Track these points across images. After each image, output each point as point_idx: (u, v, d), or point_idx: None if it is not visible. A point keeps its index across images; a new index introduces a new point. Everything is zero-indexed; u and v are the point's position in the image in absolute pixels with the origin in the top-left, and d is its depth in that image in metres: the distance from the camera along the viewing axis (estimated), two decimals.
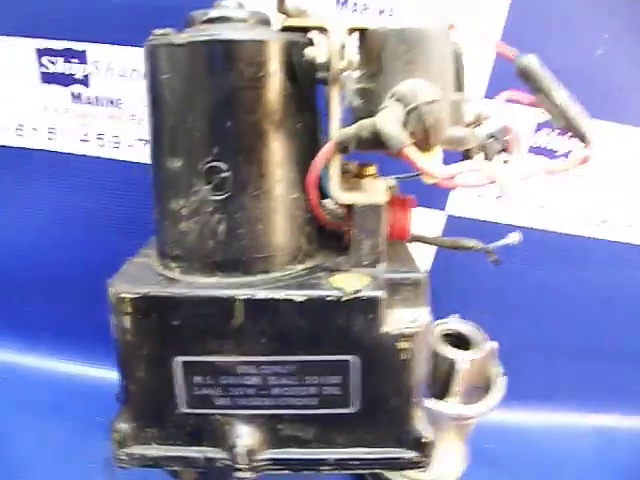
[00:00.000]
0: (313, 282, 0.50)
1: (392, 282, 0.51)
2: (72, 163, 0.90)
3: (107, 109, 0.86)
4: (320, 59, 0.47)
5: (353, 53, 0.47)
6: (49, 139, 0.89)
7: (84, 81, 0.84)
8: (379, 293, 0.48)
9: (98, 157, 0.90)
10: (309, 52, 0.48)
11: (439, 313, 0.77)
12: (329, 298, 0.48)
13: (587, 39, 0.81)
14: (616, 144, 0.88)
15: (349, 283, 0.49)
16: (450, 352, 0.72)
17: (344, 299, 0.48)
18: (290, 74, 0.49)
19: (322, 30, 0.50)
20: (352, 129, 0.47)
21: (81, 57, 0.82)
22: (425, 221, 0.90)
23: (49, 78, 0.84)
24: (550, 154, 0.88)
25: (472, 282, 0.92)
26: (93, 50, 0.82)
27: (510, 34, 0.79)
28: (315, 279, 0.51)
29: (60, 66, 0.83)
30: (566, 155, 0.86)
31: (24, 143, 0.90)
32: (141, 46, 0.52)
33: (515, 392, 0.92)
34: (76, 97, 0.86)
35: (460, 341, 0.75)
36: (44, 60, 0.83)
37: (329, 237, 0.57)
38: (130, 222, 0.81)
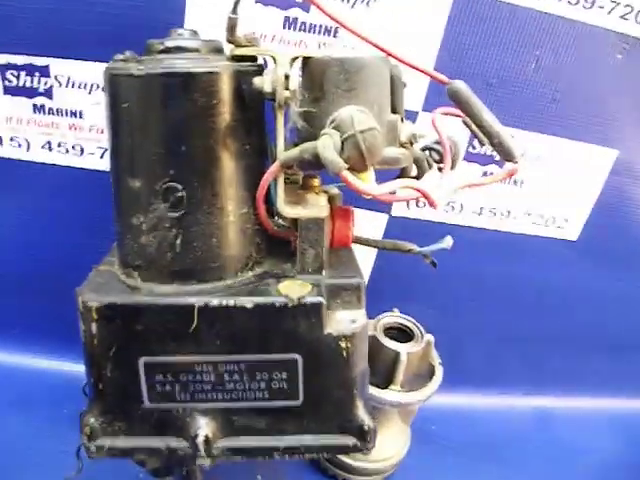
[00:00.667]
0: (262, 289, 0.55)
1: (333, 287, 0.56)
2: (34, 170, 0.93)
3: (69, 119, 0.89)
4: (267, 88, 0.51)
5: (296, 82, 0.51)
6: (12, 147, 0.92)
7: (47, 94, 0.87)
8: (321, 299, 0.53)
9: (59, 165, 0.93)
10: (257, 82, 0.52)
11: (383, 307, 0.83)
12: (277, 304, 0.53)
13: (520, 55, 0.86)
14: (550, 151, 0.94)
15: (294, 290, 0.54)
16: (393, 345, 0.76)
17: (290, 305, 0.53)
18: (239, 101, 0.53)
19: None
20: (295, 152, 0.51)
21: (44, 71, 0.84)
22: (370, 222, 0.95)
23: (12, 91, 0.87)
24: (486, 159, 0.93)
25: (415, 277, 0.96)
26: (56, 65, 0.84)
27: (446, 52, 0.84)
28: (264, 285, 0.55)
29: (22, 80, 0.85)
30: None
31: None
32: (103, 61, 0.55)
33: (460, 377, 0.99)
34: (39, 108, 0.88)
35: (401, 334, 0.81)
36: (7, 74, 0.85)
37: (278, 243, 0.61)
38: (90, 224, 0.84)
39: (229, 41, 0.55)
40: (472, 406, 1.12)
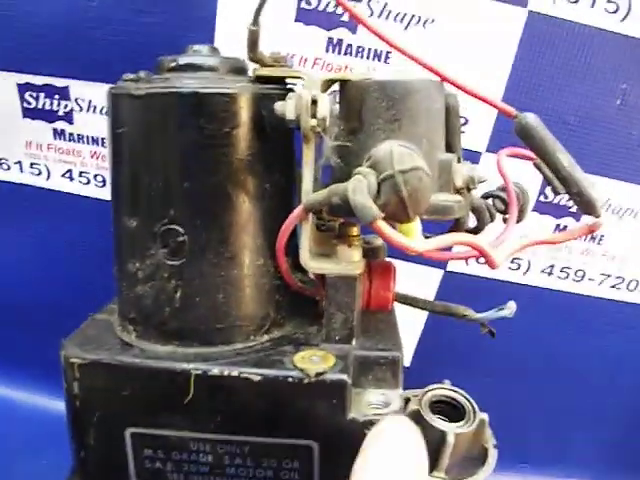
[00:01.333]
0: (275, 359, 0.46)
1: (364, 361, 0.48)
2: (55, 199, 0.88)
3: (91, 147, 0.84)
4: (289, 115, 0.43)
5: (326, 109, 0.43)
6: (32, 174, 0.87)
7: (67, 118, 0.82)
8: (344, 377, 0.44)
9: (80, 195, 0.88)
10: (278, 107, 0.44)
11: (431, 377, 0.73)
12: (290, 380, 0.44)
13: (604, 89, 0.76)
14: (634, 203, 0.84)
15: (314, 363, 0.45)
16: (439, 424, 0.67)
17: (306, 382, 0.44)
18: (259, 130, 0.46)
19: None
20: (323, 194, 0.43)
21: (63, 93, 0.80)
22: (422, 277, 0.86)
23: (31, 113, 0.82)
24: (560, 211, 0.83)
25: (471, 343, 0.87)
26: (76, 86, 0.79)
27: (516, 83, 0.75)
28: (279, 354, 0.47)
29: (42, 101, 0.81)
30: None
31: (6, 177, 0.88)
32: None
33: (518, 457, 0.93)
34: (59, 134, 0.84)
35: (450, 410, 0.70)
36: (26, 95, 0.81)
37: (306, 301, 0.53)
38: (109, 258, 0.78)
39: (251, 59, 0.48)
40: None
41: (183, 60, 0.48)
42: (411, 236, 0.41)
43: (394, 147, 0.40)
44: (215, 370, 0.45)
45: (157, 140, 0.45)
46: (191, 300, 0.47)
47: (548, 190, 0.80)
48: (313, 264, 0.47)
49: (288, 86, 0.50)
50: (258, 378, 0.44)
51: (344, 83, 0.46)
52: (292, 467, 0.47)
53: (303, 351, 0.47)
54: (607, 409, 1.00)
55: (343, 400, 0.45)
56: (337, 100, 0.48)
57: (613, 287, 0.89)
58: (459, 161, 0.49)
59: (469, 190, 0.48)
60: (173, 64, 0.48)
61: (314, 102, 0.43)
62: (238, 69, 0.50)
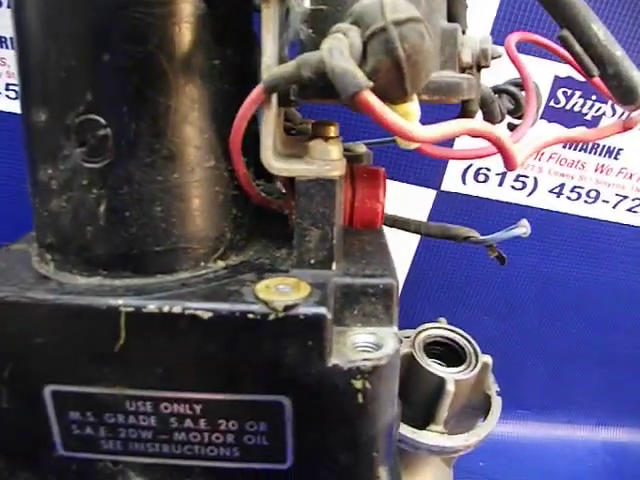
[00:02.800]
0: (231, 290, 0.37)
1: (349, 290, 0.38)
2: None
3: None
4: None
5: None
6: None
7: None
8: (323, 310, 0.34)
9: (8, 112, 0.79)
10: None
11: (425, 314, 0.71)
12: (250, 316, 0.34)
13: None
14: None
15: (282, 293, 0.35)
16: (437, 369, 0.62)
17: (271, 318, 0.34)
18: None
19: None
20: (289, 67, 0.33)
21: None
22: (411, 198, 0.77)
23: None
24: (574, 118, 0.74)
25: (468, 275, 0.80)
26: None
27: None
28: (237, 284, 0.37)
29: None
30: (596, 120, 0.73)
31: None
32: None
33: (517, 402, 0.91)
34: None
35: (448, 352, 0.66)
36: None
37: (274, 217, 0.44)
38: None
39: None
40: (530, 438, 0.98)
41: None
42: (408, 119, 0.31)
43: None
44: (152, 306, 0.35)
45: None
46: (119, 215, 0.37)
47: (560, 94, 0.72)
48: (278, 164, 0.37)
49: None
50: (208, 315, 0.35)
51: None
52: (258, 430, 0.38)
53: (268, 279, 0.38)
54: (612, 349, 0.95)
55: (321, 341, 0.35)
56: None
57: (630, 210, 0.83)
58: (464, 33, 0.40)
59: (479, 69, 0.40)
60: None
61: None
62: None
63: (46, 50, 0.36)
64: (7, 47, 0.73)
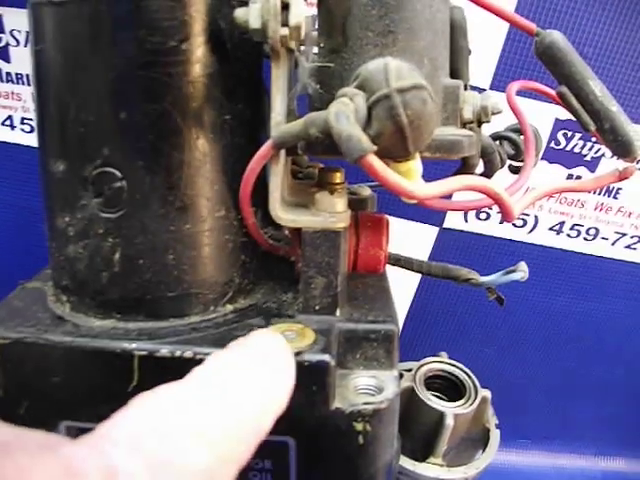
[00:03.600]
0: (240, 335, 0.37)
1: (351, 336, 0.40)
2: None
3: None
4: (254, 24, 0.34)
5: (301, 15, 0.34)
6: None
7: (2, 54, 0.74)
8: (327, 358, 0.36)
9: (22, 145, 0.80)
10: (239, 15, 0.35)
11: (426, 349, 0.70)
12: None
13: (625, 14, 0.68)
14: None
15: (289, 339, 0.36)
16: (437, 403, 0.63)
17: None
18: (215, 44, 0.37)
19: None
20: (297, 125, 0.34)
21: None
22: (414, 235, 0.79)
23: None
24: (574, 159, 0.75)
25: (470, 310, 0.82)
26: (10, 15, 0.70)
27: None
28: (245, 329, 0.39)
29: None
30: (596, 161, 0.73)
31: None
32: None
33: (519, 431, 0.92)
34: None
35: (448, 386, 0.67)
36: None
37: (280, 262, 0.45)
38: None
39: None
40: (531, 467, 0.98)
41: None
42: (410, 177, 0.33)
43: (389, 62, 0.31)
44: (164, 350, 0.37)
45: (85, 58, 0.36)
46: (133, 262, 0.38)
47: (560, 135, 0.73)
48: (286, 215, 0.39)
49: None
50: None
51: None
52: (263, 467, 0.39)
53: (275, 324, 0.39)
54: (611, 381, 0.96)
55: (325, 386, 0.37)
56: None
57: (628, 247, 0.84)
58: (466, 88, 0.42)
59: (480, 125, 0.41)
60: None
61: (285, 6, 0.34)
62: None
63: (66, 105, 0.37)
64: (23, 83, 0.75)
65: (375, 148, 0.30)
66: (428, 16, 0.37)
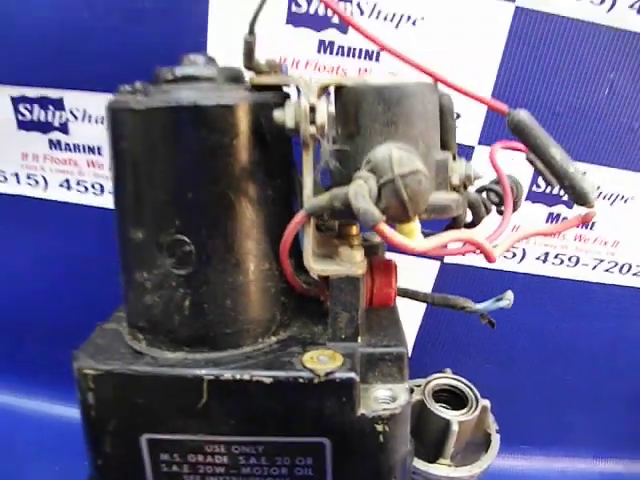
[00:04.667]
0: (284, 360, 0.47)
1: (370, 357, 0.49)
2: (53, 209, 0.89)
3: (87, 156, 0.85)
4: (289, 123, 0.44)
5: (324, 115, 0.43)
6: (29, 185, 0.88)
7: (63, 128, 0.83)
8: (353, 375, 0.45)
9: (79, 204, 0.89)
10: (277, 116, 0.44)
11: (433, 366, 0.75)
12: (300, 380, 0.45)
13: (592, 79, 0.77)
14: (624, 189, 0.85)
15: (322, 362, 0.46)
16: (443, 412, 0.69)
17: (316, 381, 0.45)
18: (259, 138, 0.46)
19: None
20: (324, 199, 0.44)
21: (58, 104, 0.80)
22: (419, 269, 0.87)
23: (26, 125, 0.83)
24: (553, 199, 0.84)
25: (470, 331, 0.90)
26: (70, 97, 0.80)
27: (506, 78, 0.76)
28: (288, 355, 0.48)
29: (36, 113, 0.81)
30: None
31: (3, 189, 0.89)
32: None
33: (519, 438, 0.97)
34: (55, 144, 0.84)
35: (453, 398, 0.73)
36: (20, 107, 0.81)
37: (309, 300, 0.54)
38: (110, 265, 0.78)
39: (247, 67, 0.49)
40: (533, 470, 1.04)
41: (180, 71, 0.48)
42: (411, 235, 0.42)
43: (393, 151, 0.40)
44: (227, 375, 0.46)
45: (160, 153, 0.45)
46: (200, 307, 0.47)
47: (540, 180, 0.80)
48: (317, 266, 0.48)
49: (284, 92, 0.51)
50: (269, 380, 0.45)
51: (339, 88, 0.47)
52: (305, 464, 0.48)
53: (311, 351, 0.48)
54: (604, 390, 1.01)
55: (352, 397, 0.46)
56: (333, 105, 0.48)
57: (607, 271, 0.91)
58: (454, 159, 0.50)
59: (465, 187, 0.49)
60: (170, 75, 0.48)
61: (312, 109, 0.43)
62: (235, 78, 0.50)
63: (144, 188, 0.46)
64: (79, 152, 0.85)
65: (384, 218, 0.39)
66: (421, 109, 0.45)
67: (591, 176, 0.81)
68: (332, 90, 0.48)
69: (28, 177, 0.87)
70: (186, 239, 0.46)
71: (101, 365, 0.47)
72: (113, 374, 0.47)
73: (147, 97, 0.46)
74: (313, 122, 0.43)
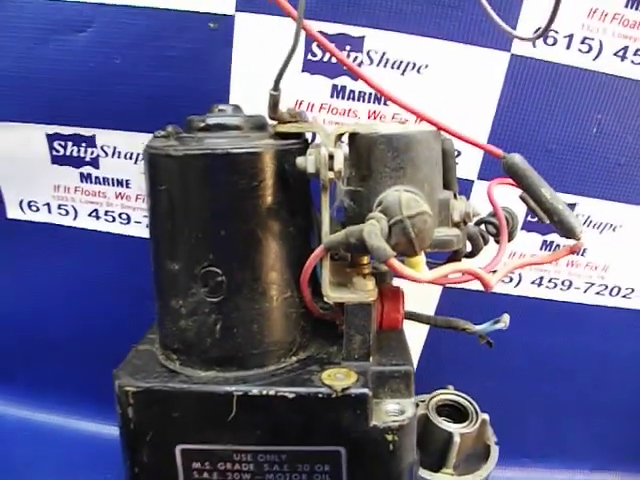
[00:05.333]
0: (305, 378, 0.52)
1: (381, 375, 0.53)
2: (82, 237, 0.94)
3: (116, 188, 0.90)
4: (310, 169, 0.49)
5: (341, 162, 0.48)
6: (59, 214, 0.93)
7: (94, 163, 0.88)
8: (366, 391, 0.50)
9: (107, 232, 0.94)
10: (300, 162, 0.49)
11: (437, 382, 0.79)
12: (320, 395, 0.50)
13: (581, 119, 0.83)
14: (613, 218, 0.89)
15: (339, 379, 0.51)
16: (445, 425, 0.73)
17: (333, 396, 0.50)
18: (283, 181, 0.51)
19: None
20: (341, 235, 0.48)
21: (90, 142, 0.85)
22: (422, 293, 0.90)
23: (60, 160, 0.87)
24: (547, 227, 0.86)
25: (471, 350, 0.88)
26: (101, 135, 0.85)
27: (502, 118, 0.81)
28: (307, 373, 0.53)
29: (69, 149, 0.86)
30: None
31: (35, 218, 0.94)
32: (148, 132, 0.55)
33: (518, 451, 0.99)
34: (86, 177, 0.89)
35: (455, 412, 0.77)
36: (55, 144, 0.86)
37: (325, 323, 0.59)
38: (137, 291, 0.83)
39: (272, 118, 0.53)
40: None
41: (211, 120, 0.53)
42: (418, 268, 0.47)
43: (402, 195, 0.45)
44: (255, 391, 0.50)
45: (195, 195, 0.50)
46: (229, 331, 0.52)
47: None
48: (333, 294, 0.53)
49: (304, 138, 0.56)
50: (292, 395, 0.50)
51: (353, 135, 0.52)
52: (323, 470, 0.52)
53: (328, 369, 0.52)
54: (599, 404, 1.04)
55: (365, 410, 0.50)
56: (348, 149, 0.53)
57: (597, 294, 0.95)
58: (455, 197, 0.54)
59: (465, 223, 0.54)
60: (202, 124, 0.53)
61: (331, 157, 0.48)
62: (260, 126, 0.55)
63: (180, 225, 0.51)
64: (107, 185, 0.90)
65: (394, 254, 0.44)
66: (427, 154, 0.50)
67: (582, 207, 0.86)
68: (346, 136, 0.53)
69: (59, 207, 0.92)
70: (218, 270, 0.51)
71: (140, 383, 0.52)
72: (151, 391, 0.51)
73: (182, 144, 0.51)
74: (331, 168, 0.49)
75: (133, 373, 0.53)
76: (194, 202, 0.51)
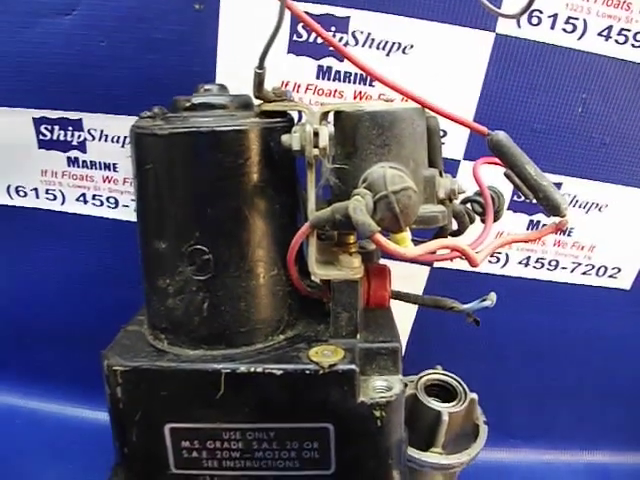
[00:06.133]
0: (292, 355, 0.52)
1: (368, 352, 0.53)
2: (70, 221, 0.94)
3: (103, 172, 0.89)
4: (295, 146, 0.49)
5: (326, 139, 0.49)
6: (47, 199, 0.92)
7: (81, 147, 0.87)
8: (353, 367, 0.50)
9: (95, 216, 0.94)
10: (285, 140, 0.50)
11: (425, 363, 0.79)
12: (307, 372, 0.50)
13: (566, 99, 0.83)
14: (598, 198, 0.90)
15: (326, 356, 0.51)
16: (434, 404, 0.73)
17: (321, 373, 0.50)
18: (268, 159, 0.51)
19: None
20: (327, 212, 0.49)
21: (76, 125, 0.85)
22: (410, 274, 0.91)
23: (46, 144, 0.87)
24: (533, 207, 0.89)
25: (460, 330, 0.91)
26: (88, 119, 0.85)
27: (488, 98, 0.82)
28: (295, 351, 0.53)
29: (56, 133, 0.86)
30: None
31: (23, 203, 0.93)
32: (135, 115, 0.55)
33: (507, 432, 1.00)
34: (73, 161, 0.89)
35: (443, 392, 0.77)
36: (42, 128, 0.86)
37: (312, 302, 0.59)
38: (125, 274, 0.83)
39: (257, 97, 0.54)
40: (520, 463, 1.08)
41: (197, 100, 0.54)
42: (403, 243, 0.47)
43: (386, 170, 0.46)
44: (242, 368, 0.50)
45: (181, 174, 0.51)
46: (217, 309, 0.52)
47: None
48: (320, 272, 0.53)
49: (289, 116, 0.56)
50: (280, 372, 0.50)
51: (339, 113, 0.52)
52: (312, 447, 0.53)
53: (315, 347, 0.53)
54: (586, 384, 1.05)
55: (353, 387, 0.50)
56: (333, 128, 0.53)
57: (584, 274, 0.96)
58: (441, 175, 0.55)
59: (451, 200, 0.54)
60: (188, 104, 0.54)
61: (316, 134, 0.49)
62: (245, 104, 0.55)
63: (166, 204, 0.52)
64: (95, 169, 0.90)
65: (379, 229, 0.44)
66: (411, 130, 0.50)
67: (567, 187, 0.86)
68: (332, 115, 0.53)
69: (47, 192, 0.91)
70: (205, 249, 0.51)
71: (128, 362, 0.52)
72: (140, 370, 0.51)
73: (168, 123, 0.51)
74: (316, 145, 0.49)
75: (121, 353, 0.53)
76: (180, 181, 0.51)
